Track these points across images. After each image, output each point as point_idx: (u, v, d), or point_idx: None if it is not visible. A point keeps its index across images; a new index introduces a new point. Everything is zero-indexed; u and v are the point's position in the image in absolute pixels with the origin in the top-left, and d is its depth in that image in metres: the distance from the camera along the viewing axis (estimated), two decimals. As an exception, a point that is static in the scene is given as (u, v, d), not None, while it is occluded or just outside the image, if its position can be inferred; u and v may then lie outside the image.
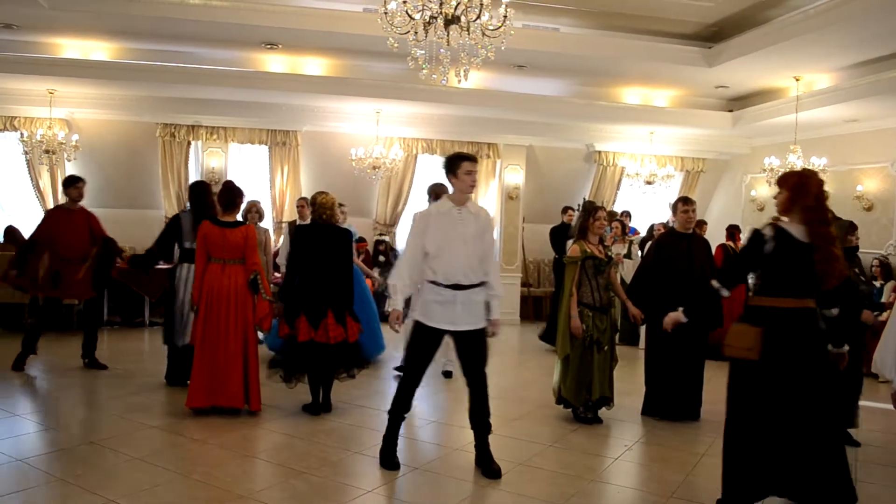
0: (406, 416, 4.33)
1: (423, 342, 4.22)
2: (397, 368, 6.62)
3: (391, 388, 6.31)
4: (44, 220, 6.58)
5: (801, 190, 3.50)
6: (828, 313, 3.58)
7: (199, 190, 6.01)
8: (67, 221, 6.45)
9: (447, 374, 6.73)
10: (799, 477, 3.33)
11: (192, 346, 5.50)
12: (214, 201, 5.95)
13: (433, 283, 4.13)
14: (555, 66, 8.92)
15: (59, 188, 10.00)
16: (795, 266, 3.44)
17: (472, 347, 4.20)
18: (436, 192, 6.75)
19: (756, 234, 3.56)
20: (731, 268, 3.75)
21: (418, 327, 4.20)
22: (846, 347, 3.65)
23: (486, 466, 4.16)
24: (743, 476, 3.44)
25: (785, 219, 3.55)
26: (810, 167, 9.06)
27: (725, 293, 3.66)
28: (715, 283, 3.68)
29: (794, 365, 3.38)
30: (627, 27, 8.18)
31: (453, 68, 5.38)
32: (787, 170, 8.82)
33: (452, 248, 4.10)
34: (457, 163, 4.19)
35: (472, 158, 4.26)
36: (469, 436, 4.34)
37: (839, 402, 4.34)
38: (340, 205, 7.08)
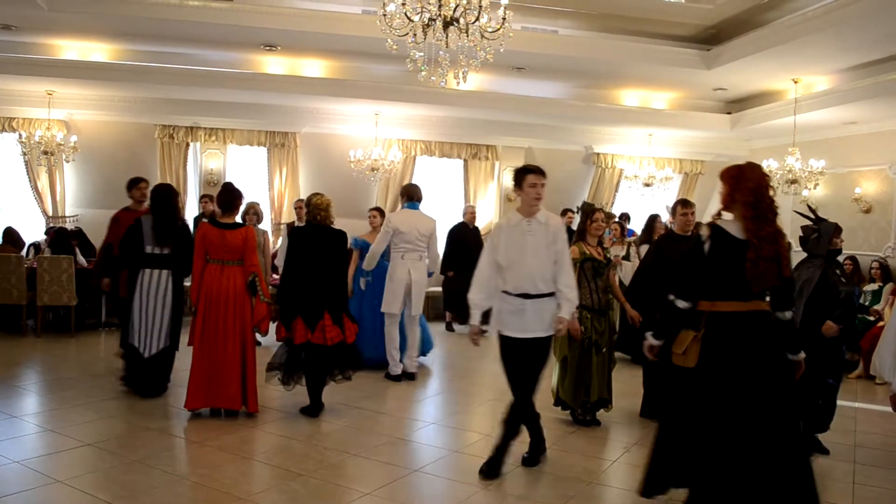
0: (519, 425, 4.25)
1: (506, 352, 4.24)
2: (387, 376, 6.57)
3: (389, 389, 6.32)
4: (111, 224, 6.53)
5: (737, 183, 3.28)
6: (781, 316, 3.32)
7: (163, 194, 5.79)
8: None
9: (404, 376, 6.55)
10: (760, 490, 3.07)
11: (160, 355, 5.54)
12: (179, 206, 5.85)
13: (505, 292, 4.19)
14: (553, 68, 8.93)
15: (61, 189, 10.10)
16: (732, 265, 3.21)
17: (535, 353, 4.19)
18: (408, 193, 6.77)
19: (696, 237, 3.38)
20: (682, 277, 3.43)
21: (500, 338, 4.25)
22: (802, 355, 3.36)
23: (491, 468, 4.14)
24: (662, 472, 3.29)
25: (728, 215, 3.34)
26: (809, 169, 9.08)
27: (682, 304, 3.36)
28: (670, 296, 3.42)
29: (737, 373, 3.14)
30: (626, 29, 8.20)
31: (452, 70, 5.39)
32: (787, 172, 8.90)
33: (522, 259, 4.14)
34: (522, 176, 4.22)
35: (536, 171, 4.23)
36: (468, 438, 4.33)
37: (805, 408, 4.15)
38: (377, 208, 7.19)
